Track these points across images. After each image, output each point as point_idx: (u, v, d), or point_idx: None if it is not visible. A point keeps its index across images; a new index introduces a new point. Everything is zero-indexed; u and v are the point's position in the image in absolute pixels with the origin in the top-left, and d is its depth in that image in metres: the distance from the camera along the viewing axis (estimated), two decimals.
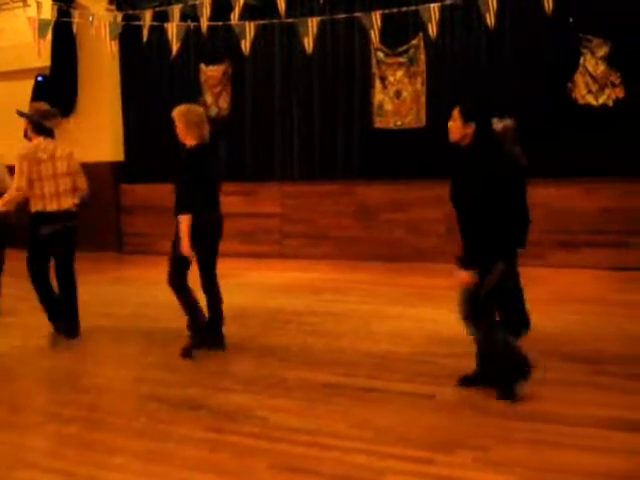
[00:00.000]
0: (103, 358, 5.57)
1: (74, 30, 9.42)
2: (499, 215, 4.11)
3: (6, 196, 5.83)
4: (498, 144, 4.41)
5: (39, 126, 5.75)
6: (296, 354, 5.45)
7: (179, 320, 5.74)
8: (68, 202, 5.84)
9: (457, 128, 4.24)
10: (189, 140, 5.36)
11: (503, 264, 4.23)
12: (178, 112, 5.39)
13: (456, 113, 4.25)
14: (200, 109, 5.50)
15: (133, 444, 3.87)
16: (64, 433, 4.10)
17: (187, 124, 5.32)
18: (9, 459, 3.77)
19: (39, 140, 5.72)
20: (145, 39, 8.72)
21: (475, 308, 4.24)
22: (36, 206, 5.71)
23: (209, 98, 10.61)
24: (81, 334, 6.05)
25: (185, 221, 5.22)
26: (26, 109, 6.03)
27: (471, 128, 4.18)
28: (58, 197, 5.77)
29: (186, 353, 5.34)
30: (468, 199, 4.14)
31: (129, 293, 8.03)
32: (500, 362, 4.33)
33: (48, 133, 5.80)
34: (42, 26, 8.62)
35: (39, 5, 9.62)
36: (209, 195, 5.42)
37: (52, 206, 5.74)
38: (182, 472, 3.52)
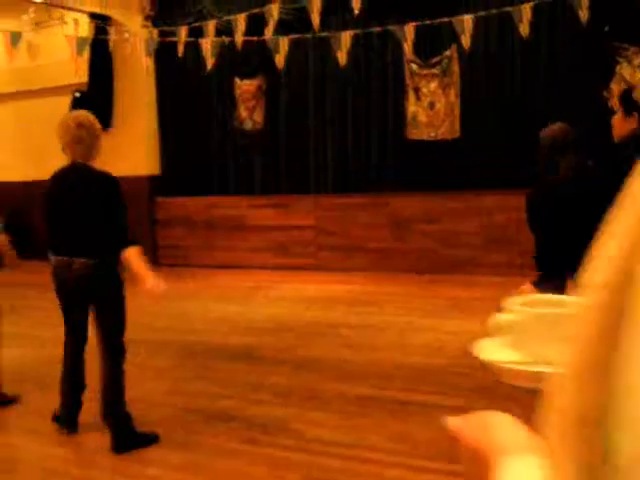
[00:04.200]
0: (138, 370, 5.60)
1: (110, 47, 9.57)
2: None
3: None
4: None
5: None
6: (332, 366, 5.44)
7: (214, 333, 5.76)
8: None
9: (617, 121, 3.51)
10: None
11: None
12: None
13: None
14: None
15: (168, 455, 3.89)
16: (99, 443, 4.14)
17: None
18: (43, 470, 3.83)
19: None
20: (180, 55, 8.82)
21: None
22: None
23: (243, 112, 10.68)
24: None
25: None
26: None
27: (633, 123, 3.24)
28: None
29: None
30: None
31: (164, 305, 8.07)
32: None
33: None
34: (80, 43, 8.78)
35: (76, 23, 9.81)
36: (55, 233, 4.22)
37: None
38: None
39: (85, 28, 10.13)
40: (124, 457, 3.89)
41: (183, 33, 8.62)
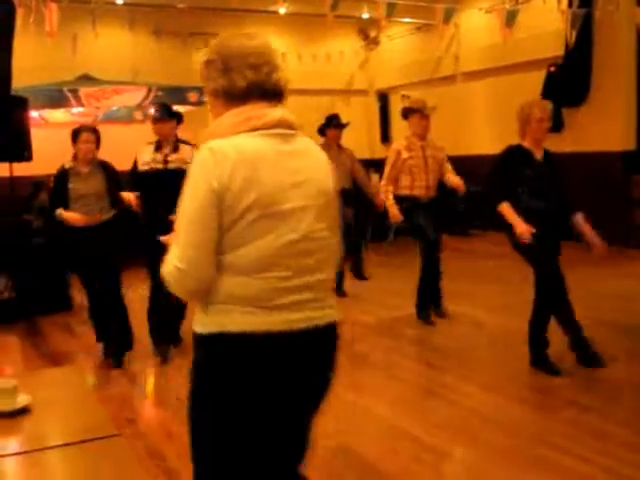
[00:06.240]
0: (616, 352, 5.39)
1: (595, 16, 9.25)
2: None
3: None
4: None
5: None
6: None
7: None
8: None
9: None
10: None
11: None
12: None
13: None
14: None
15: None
16: (580, 419, 4.12)
17: None
18: (531, 435, 3.93)
19: None
20: None
21: None
22: None
23: None
24: None
25: None
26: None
27: None
28: None
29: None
30: None
31: (636, 289, 7.63)
32: None
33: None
34: (573, 16, 8.72)
35: None
36: None
37: None
38: None
39: (566, 0, 9.98)
40: (604, 438, 3.82)
41: None
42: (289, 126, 2.10)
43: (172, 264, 1.99)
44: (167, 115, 5.73)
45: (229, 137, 2.00)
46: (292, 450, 2.24)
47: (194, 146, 5.46)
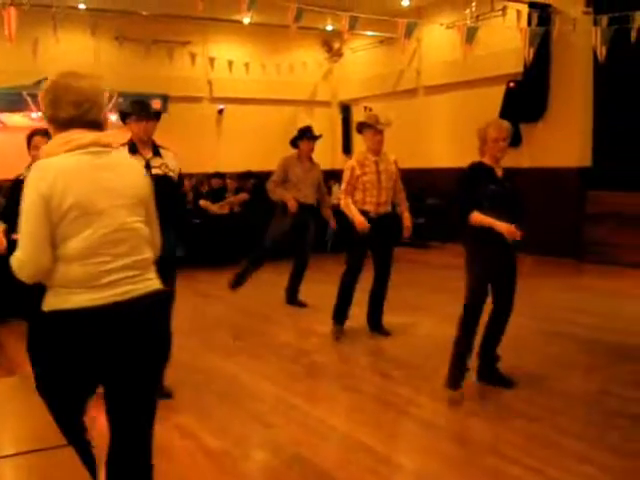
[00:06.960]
0: (570, 364, 5.50)
1: (552, 35, 9.45)
2: None
3: None
4: None
5: None
6: None
7: None
8: None
9: None
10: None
11: None
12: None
13: None
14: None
15: (603, 457, 3.77)
16: (530, 430, 4.19)
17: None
18: (482, 446, 3.98)
19: None
20: (634, 41, 8.30)
21: None
22: None
23: None
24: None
25: None
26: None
27: None
28: None
29: None
30: None
31: (589, 302, 7.79)
32: None
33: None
34: (531, 34, 8.89)
35: (519, 14, 9.89)
36: None
37: None
38: None
39: (525, 18, 10.18)
40: (557, 449, 3.89)
41: (639, 19, 8.09)
42: (103, 145, 2.68)
43: (16, 254, 2.56)
44: (153, 113, 4.93)
45: (55, 156, 2.60)
46: (132, 408, 2.74)
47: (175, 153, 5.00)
